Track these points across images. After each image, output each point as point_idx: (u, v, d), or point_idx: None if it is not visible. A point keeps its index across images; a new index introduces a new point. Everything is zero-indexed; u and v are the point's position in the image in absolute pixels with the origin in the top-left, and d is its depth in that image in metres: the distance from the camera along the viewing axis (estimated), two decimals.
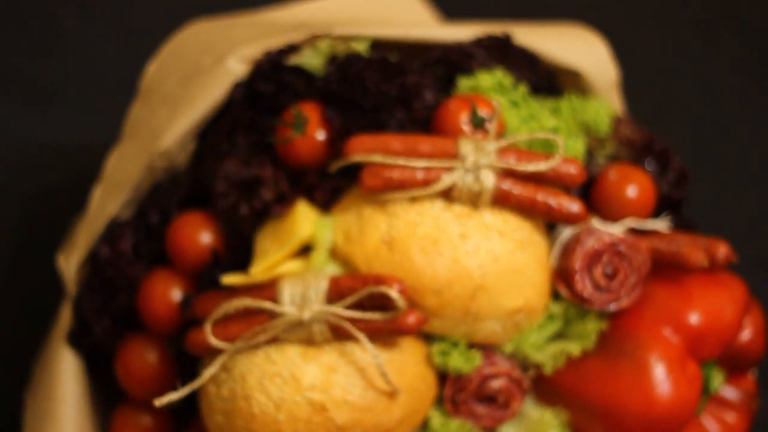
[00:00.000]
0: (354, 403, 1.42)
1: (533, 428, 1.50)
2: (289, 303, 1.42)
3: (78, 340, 1.61)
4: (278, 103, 1.52)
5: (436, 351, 1.46)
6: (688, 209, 1.62)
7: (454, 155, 1.45)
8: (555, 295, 1.51)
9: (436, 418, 1.48)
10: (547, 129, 1.52)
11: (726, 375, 1.56)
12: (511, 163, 1.45)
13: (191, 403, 1.51)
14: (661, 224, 1.56)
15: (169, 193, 1.58)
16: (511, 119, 1.51)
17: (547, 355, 1.49)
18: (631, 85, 1.77)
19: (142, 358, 1.56)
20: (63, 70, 2.07)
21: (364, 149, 1.45)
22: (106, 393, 1.63)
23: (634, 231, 1.54)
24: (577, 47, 1.63)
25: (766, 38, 2.18)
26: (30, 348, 1.75)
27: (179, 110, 1.55)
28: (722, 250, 1.51)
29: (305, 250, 1.47)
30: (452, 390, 1.49)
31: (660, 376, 1.46)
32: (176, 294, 1.53)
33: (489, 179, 1.44)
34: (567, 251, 1.50)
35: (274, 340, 1.43)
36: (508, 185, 1.45)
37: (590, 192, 1.56)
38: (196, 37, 1.62)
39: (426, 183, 1.44)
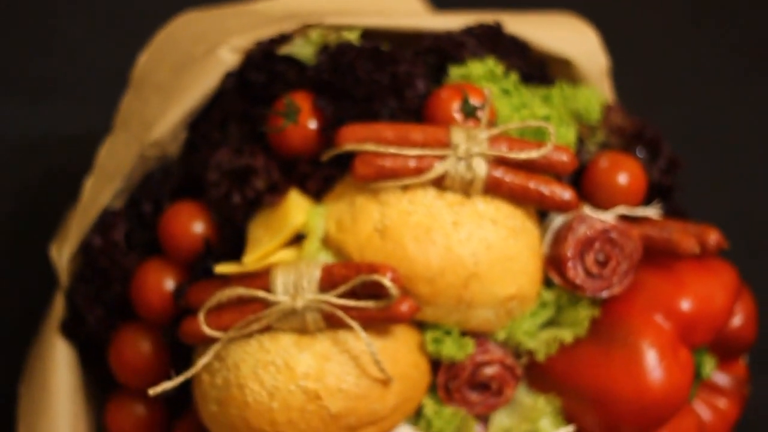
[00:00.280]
0: (348, 391, 1.42)
1: (526, 415, 1.51)
2: (282, 292, 1.42)
3: (71, 330, 1.61)
4: (270, 92, 1.53)
5: (430, 339, 1.47)
6: (679, 196, 1.63)
7: (446, 144, 1.45)
8: (547, 283, 1.51)
9: (430, 406, 1.49)
10: (538, 117, 1.52)
11: (718, 361, 1.56)
12: (503, 151, 1.45)
13: (185, 392, 1.51)
14: (652, 211, 1.56)
15: (162, 183, 1.59)
16: (502, 107, 1.52)
17: (539, 343, 1.49)
18: (621, 73, 1.77)
19: (135, 348, 1.56)
20: (54, 62, 2.06)
21: (356, 138, 1.45)
22: (100, 383, 1.63)
23: (625, 218, 1.55)
24: (568, 36, 1.64)
25: (755, 24, 2.19)
26: (24, 339, 1.75)
27: (171, 100, 1.55)
28: (713, 237, 1.52)
29: (298, 239, 1.47)
30: (445, 377, 1.49)
31: (652, 362, 1.46)
32: (169, 283, 1.53)
33: (481, 167, 1.45)
34: (559, 239, 1.50)
35: (267, 329, 1.43)
36: (500, 173, 1.46)
37: (581, 180, 1.56)
38: (188, 27, 1.63)
39: (418, 171, 1.45)
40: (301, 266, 1.43)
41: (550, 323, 1.52)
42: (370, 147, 1.44)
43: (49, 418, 1.59)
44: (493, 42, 1.57)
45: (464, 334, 1.48)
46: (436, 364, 1.49)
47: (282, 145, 1.50)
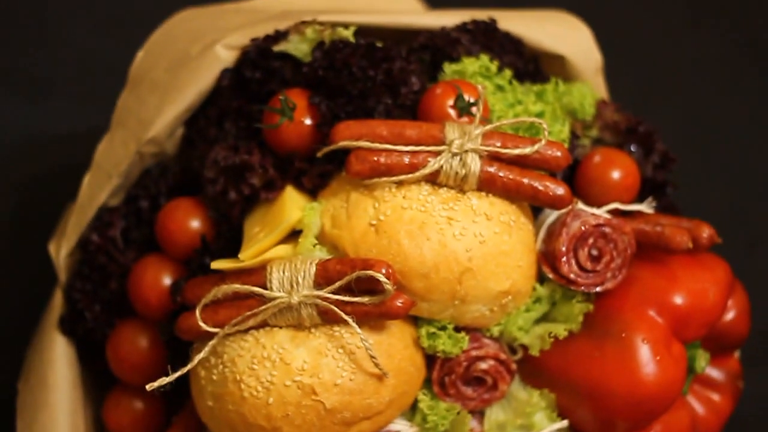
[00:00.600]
0: (343, 386, 1.42)
1: (521, 410, 1.51)
2: (277, 287, 1.42)
3: (70, 326, 1.61)
4: (266, 89, 1.53)
5: (425, 334, 1.47)
6: (674, 194, 1.63)
7: (440, 140, 1.45)
8: (541, 278, 1.51)
9: (425, 401, 1.49)
10: (532, 113, 1.52)
11: (711, 356, 1.57)
12: (497, 146, 1.46)
13: (183, 387, 1.52)
14: (646, 207, 1.57)
15: (159, 180, 1.59)
16: (496, 104, 1.52)
17: (533, 337, 1.50)
18: (614, 69, 1.77)
19: (133, 344, 1.57)
20: (52, 60, 2.07)
21: (351, 135, 1.45)
22: (98, 378, 1.64)
23: (619, 213, 1.55)
24: (562, 32, 1.64)
25: (749, 20, 2.19)
26: (23, 335, 1.75)
27: (168, 97, 1.55)
28: (706, 232, 1.52)
29: (294, 235, 1.47)
30: (440, 372, 1.49)
31: (645, 356, 1.46)
32: (166, 279, 1.54)
33: (475, 163, 1.45)
34: (553, 234, 1.51)
35: (263, 325, 1.44)
36: (494, 169, 1.46)
37: (575, 176, 1.57)
38: (184, 25, 1.63)
39: (413, 168, 1.45)
40: (296, 262, 1.43)
41: (545, 318, 1.52)
42: (364, 143, 1.45)
43: (48, 413, 1.59)
44: (488, 39, 1.58)
45: (459, 329, 1.48)
46: (431, 359, 1.49)
47: (278, 142, 1.50)
